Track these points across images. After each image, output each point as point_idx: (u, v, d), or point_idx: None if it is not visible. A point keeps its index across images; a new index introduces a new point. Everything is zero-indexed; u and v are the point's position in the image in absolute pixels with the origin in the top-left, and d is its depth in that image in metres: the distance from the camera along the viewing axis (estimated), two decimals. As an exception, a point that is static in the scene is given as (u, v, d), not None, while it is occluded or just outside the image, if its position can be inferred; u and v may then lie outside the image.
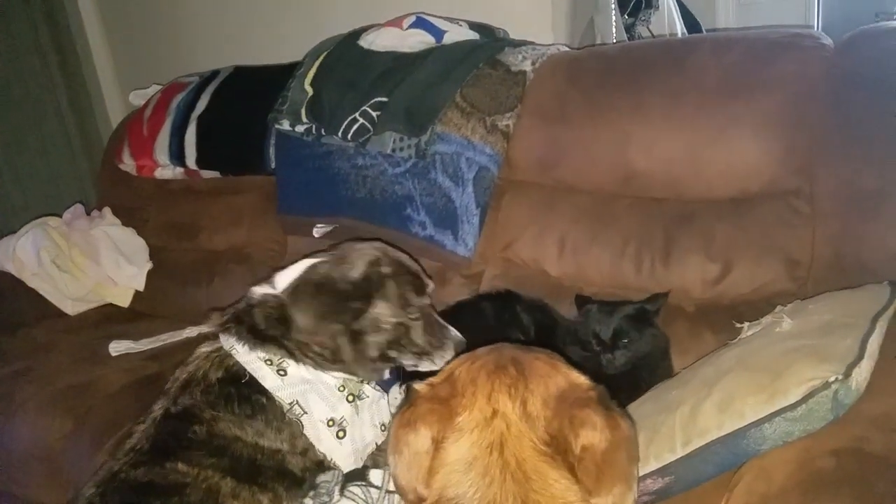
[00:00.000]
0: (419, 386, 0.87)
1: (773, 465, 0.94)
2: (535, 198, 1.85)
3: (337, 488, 1.25)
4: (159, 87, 2.59)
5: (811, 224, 1.51)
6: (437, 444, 0.81)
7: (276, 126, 2.12)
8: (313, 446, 1.27)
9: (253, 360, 1.27)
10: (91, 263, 2.37)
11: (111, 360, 1.99)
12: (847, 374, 0.91)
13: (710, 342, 1.49)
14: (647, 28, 3.07)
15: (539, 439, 0.78)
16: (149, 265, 2.42)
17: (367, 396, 1.33)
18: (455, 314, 1.60)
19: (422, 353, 1.34)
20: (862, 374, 0.95)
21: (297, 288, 1.31)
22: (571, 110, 1.76)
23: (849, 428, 0.94)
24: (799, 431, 0.93)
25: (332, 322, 1.27)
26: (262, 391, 1.25)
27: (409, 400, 0.85)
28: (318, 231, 2.09)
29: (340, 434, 1.27)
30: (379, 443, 1.34)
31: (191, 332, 2.14)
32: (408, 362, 1.36)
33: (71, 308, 2.38)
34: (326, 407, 1.27)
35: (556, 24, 2.57)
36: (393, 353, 1.33)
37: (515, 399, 0.80)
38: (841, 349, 0.97)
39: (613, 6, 2.76)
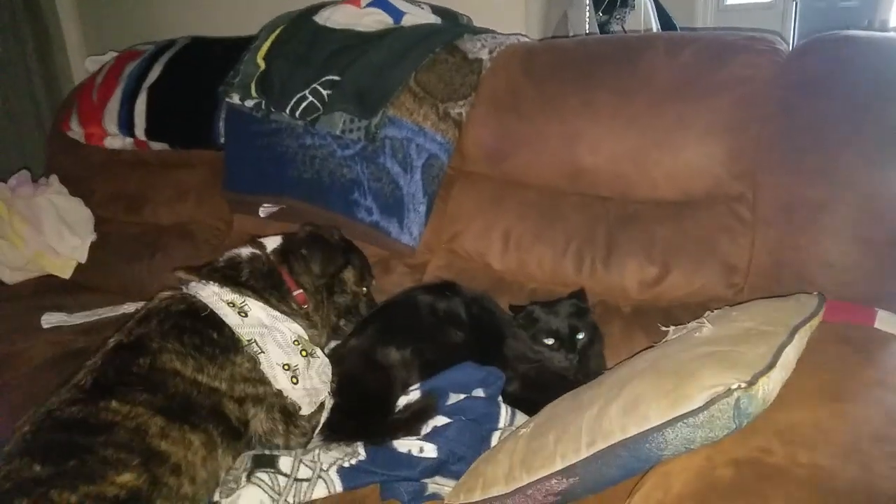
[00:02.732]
0: None
1: (673, 473, 0.91)
2: (484, 190, 1.82)
3: (244, 475, 1.22)
4: (115, 55, 2.51)
5: (751, 231, 1.49)
6: None
7: (227, 100, 2.06)
8: (250, 398, 1.29)
9: (216, 301, 1.33)
10: (33, 232, 2.30)
11: (41, 333, 1.93)
12: (752, 383, 0.89)
13: (642, 344, 1.46)
14: (622, 27, 3.05)
15: None
16: (92, 237, 2.36)
17: (318, 357, 1.41)
18: (391, 309, 1.57)
19: None
20: (770, 384, 0.92)
21: (284, 249, 1.48)
22: (524, 102, 1.72)
23: (752, 438, 0.91)
24: (700, 438, 0.90)
25: (330, 265, 1.49)
26: (217, 327, 1.31)
27: None
28: (263, 211, 2.04)
29: (294, 380, 1.33)
30: (328, 393, 1.39)
31: (128, 307, 2.08)
32: (349, 330, 1.55)
33: (9, 277, 2.31)
34: (282, 353, 1.33)
35: (529, 17, 2.54)
36: (343, 322, 1.56)
37: None
38: (751, 357, 0.95)
39: (588, 2, 2.73)
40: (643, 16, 3.13)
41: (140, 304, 2.03)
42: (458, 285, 1.61)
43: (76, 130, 2.44)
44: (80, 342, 1.84)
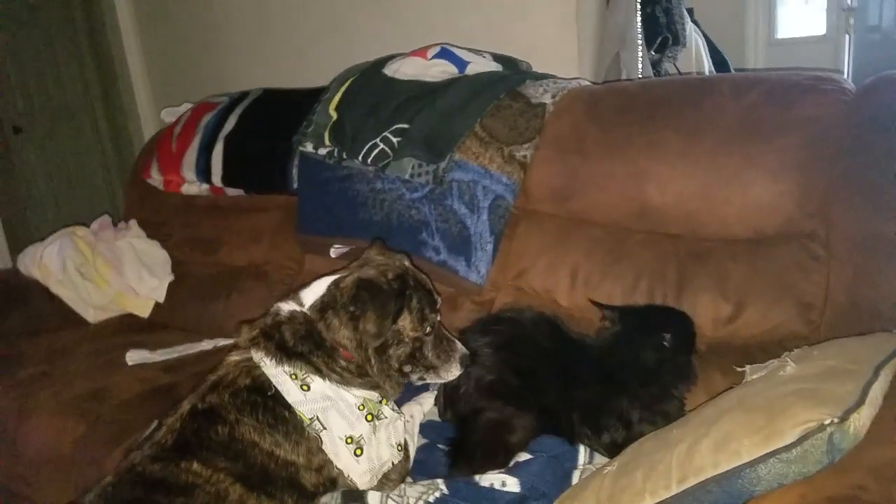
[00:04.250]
0: None
1: (768, 510, 0.93)
2: (550, 228, 1.86)
3: (335, 510, 1.26)
4: (190, 106, 2.66)
5: (826, 268, 1.50)
6: None
7: (300, 148, 2.16)
8: (330, 463, 1.30)
9: (279, 374, 1.31)
10: (114, 273, 2.43)
11: (127, 369, 2.03)
12: (844, 419, 0.90)
13: (719, 383, 1.47)
14: (674, 65, 3.08)
15: None
16: (170, 277, 2.47)
17: (385, 417, 1.37)
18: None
19: (430, 367, 1.41)
20: (861, 420, 0.93)
21: (325, 304, 1.36)
22: (589, 144, 1.77)
23: (846, 475, 0.92)
24: (794, 474, 0.91)
25: (384, 324, 1.31)
26: (285, 405, 1.30)
27: None
28: (334, 251, 2.12)
29: (358, 452, 1.30)
30: (395, 462, 1.36)
31: (207, 344, 2.18)
32: (416, 376, 1.43)
33: (92, 316, 2.43)
34: (346, 424, 1.31)
35: (581, 59, 2.61)
36: (407, 368, 1.40)
37: None
38: (840, 394, 0.96)
39: (640, 42, 2.78)
40: (695, 53, 3.16)
41: (217, 342, 2.18)
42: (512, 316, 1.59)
43: (156, 178, 2.58)
44: (165, 378, 1.93)
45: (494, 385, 1.43)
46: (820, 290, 1.49)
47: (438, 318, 1.42)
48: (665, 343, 1.41)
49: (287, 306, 1.40)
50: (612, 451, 1.33)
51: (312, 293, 1.40)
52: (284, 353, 1.33)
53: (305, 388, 1.31)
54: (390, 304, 1.32)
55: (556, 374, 1.45)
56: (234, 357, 1.38)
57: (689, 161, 1.61)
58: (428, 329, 1.38)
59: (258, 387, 1.31)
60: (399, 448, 1.37)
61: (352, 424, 1.31)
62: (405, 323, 1.36)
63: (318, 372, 1.33)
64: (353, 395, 1.34)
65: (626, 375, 1.42)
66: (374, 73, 2.11)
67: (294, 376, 1.31)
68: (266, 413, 1.28)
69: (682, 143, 1.63)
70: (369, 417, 1.33)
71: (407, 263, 1.45)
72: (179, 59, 3.42)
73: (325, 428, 1.29)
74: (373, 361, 1.35)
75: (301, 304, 1.39)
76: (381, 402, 1.38)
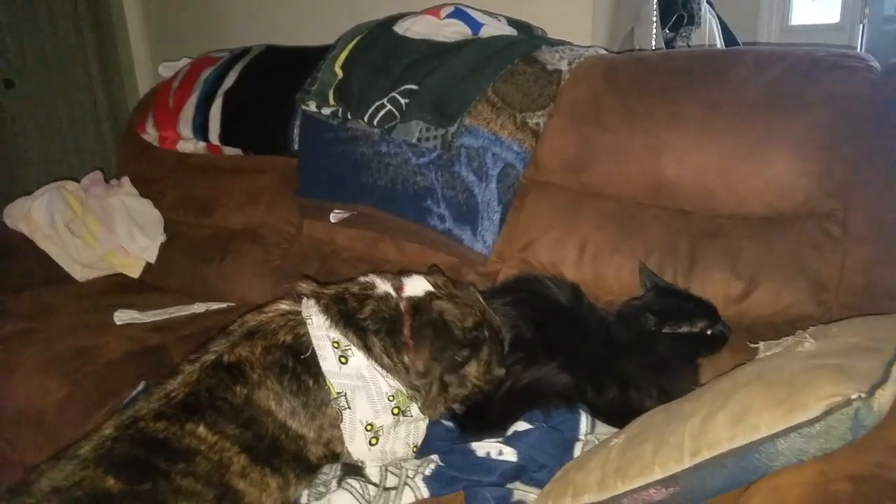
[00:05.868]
0: None
1: (785, 486, 0.88)
2: (560, 200, 1.81)
3: (335, 480, 1.21)
4: (189, 61, 2.58)
5: (842, 248, 1.45)
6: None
7: (303, 107, 2.09)
8: (339, 440, 1.25)
9: (322, 338, 1.26)
10: (105, 231, 2.36)
11: (114, 329, 1.96)
12: (870, 395, 0.86)
13: (727, 361, 1.42)
14: (687, 44, 3.03)
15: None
16: (162, 238, 2.41)
17: (411, 415, 1.31)
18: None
19: None
20: (885, 397, 0.89)
21: (420, 306, 1.31)
22: (606, 113, 1.71)
23: (868, 453, 0.88)
24: (814, 450, 0.87)
25: (438, 364, 1.27)
26: (314, 374, 1.24)
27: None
28: (335, 217, 2.06)
29: (373, 441, 1.26)
30: (406, 461, 1.30)
31: (198, 307, 2.12)
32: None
33: (80, 274, 2.36)
34: (371, 411, 1.25)
35: (595, 34, 2.54)
36: (458, 407, 1.35)
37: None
38: (865, 370, 0.91)
39: (655, 19, 2.72)
40: (707, 34, 3.11)
41: (209, 305, 2.12)
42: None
43: (151, 133, 2.51)
44: (154, 339, 1.87)
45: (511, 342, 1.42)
46: (835, 270, 1.45)
47: (503, 373, 1.37)
48: (696, 329, 1.40)
49: (384, 286, 1.35)
50: (610, 413, 1.31)
51: (413, 288, 1.35)
52: (344, 319, 1.28)
53: (343, 360, 1.25)
54: (448, 351, 1.28)
55: (570, 330, 1.43)
56: (284, 305, 1.33)
57: (709, 135, 1.55)
58: (490, 382, 1.35)
59: (296, 348, 1.25)
60: (415, 448, 1.32)
61: (377, 413, 1.26)
62: (471, 370, 1.33)
63: (367, 350, 1.27)
64: (388, 384, 1.28)
65: (635, 345, 1.40)
66: (384, 31, 2.03)
67: (336, 345, 1.25)
68: (292, 381, 1.22)
69: (702, 115, 1.57)
70: (395, 411, 1.28)
71: (483, 307, 1.38)
72: (179, 13, 3.32)
73: (349, 407, 1.24)
74: (434, 391, 1.30)
75: (399, 293, 1.34)
76: (410, 398, 1.31)
